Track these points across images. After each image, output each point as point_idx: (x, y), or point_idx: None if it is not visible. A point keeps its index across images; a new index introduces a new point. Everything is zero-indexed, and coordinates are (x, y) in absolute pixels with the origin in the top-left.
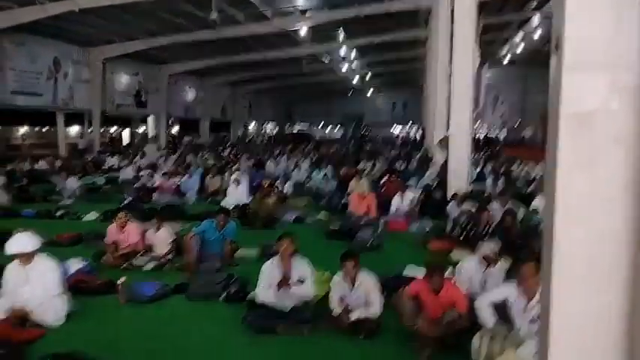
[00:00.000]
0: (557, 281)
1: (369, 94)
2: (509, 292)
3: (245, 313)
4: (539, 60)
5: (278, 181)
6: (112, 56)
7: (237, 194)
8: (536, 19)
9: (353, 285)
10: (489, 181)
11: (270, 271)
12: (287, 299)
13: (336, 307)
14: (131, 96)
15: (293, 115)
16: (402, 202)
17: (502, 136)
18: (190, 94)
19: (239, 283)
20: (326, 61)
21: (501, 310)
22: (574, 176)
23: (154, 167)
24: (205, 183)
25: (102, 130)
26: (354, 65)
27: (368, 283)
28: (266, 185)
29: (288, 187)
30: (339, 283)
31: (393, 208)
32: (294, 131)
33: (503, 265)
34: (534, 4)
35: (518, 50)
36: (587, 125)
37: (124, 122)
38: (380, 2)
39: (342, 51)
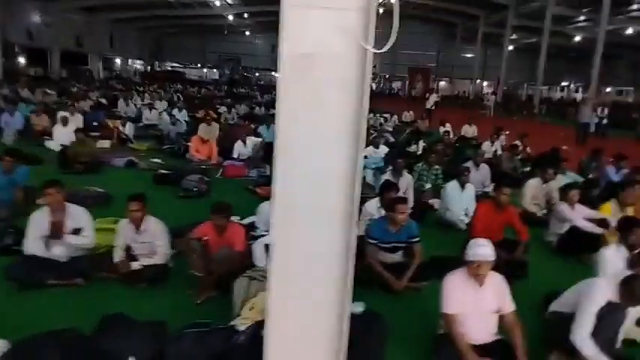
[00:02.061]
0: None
1: (247, 34)
2: None
3: (8, 267)
4: (410, 12)
5: (119, 122)
6: None
7: (63, 135)
8: None
9: (138, 230)
10: None
11: (38, 220)
12: (61, 249)
13: (118, 254)
14: None
15: (163, 52)
16: (245, 147)
17: (374, 86)
18: (34, 17)
19: (14, 235)
20: None
21: None
22: (299, 116)
23: None
24: (31, 122)
25: None
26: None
27: (154, 229)
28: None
29: (129, 129)
30: (123, 228)
31: (235, 153)
32: (167, 69)
33: None
34: None
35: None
36: (311, 66)
37: None
38: None
39: None
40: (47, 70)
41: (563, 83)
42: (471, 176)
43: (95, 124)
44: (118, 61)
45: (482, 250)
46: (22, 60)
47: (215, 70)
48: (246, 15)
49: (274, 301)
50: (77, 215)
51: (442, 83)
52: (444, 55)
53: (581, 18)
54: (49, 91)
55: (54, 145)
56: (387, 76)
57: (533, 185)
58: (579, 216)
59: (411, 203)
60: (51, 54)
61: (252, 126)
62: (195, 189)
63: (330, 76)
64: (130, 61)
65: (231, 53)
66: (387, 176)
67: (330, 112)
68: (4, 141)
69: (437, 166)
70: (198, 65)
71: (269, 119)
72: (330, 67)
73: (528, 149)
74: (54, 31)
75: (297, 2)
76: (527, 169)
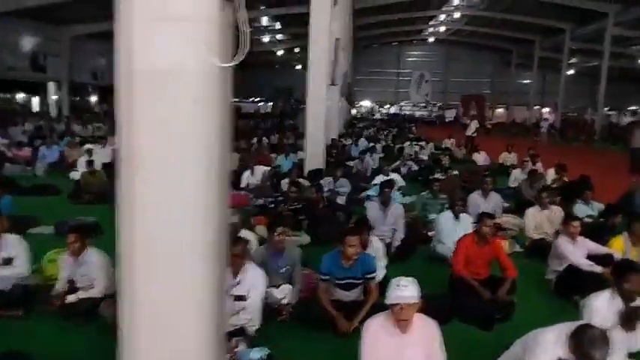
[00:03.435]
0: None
1: (297, 68)
2: None
3: None
4: (460, 40)
5: None
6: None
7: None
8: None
9: (77, 261)
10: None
11: None
12: None
13: (60, 286)
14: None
15: None
16: (253, 176)
17: (425, 114)
18: (98, 58)
19: None
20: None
21: None
22: (151, 135)
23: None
24: (65, 154)
25: None
26: (278, 37)
27: (95, 261)
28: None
29: None
30: (64, 260)
31: (243, 182)
32: None
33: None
34: None
35: (442, 29)
36: (164, 84)
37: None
38: None
39: (264, 20)
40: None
41: (631, 107)
42: (479, 206)
43: None
44: None
45: (403, 290)
46: (93, 98)
47: (269, 102)
48: (296, 50)
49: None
50: (10, 244)
51: (499, 110)
52: (499, 81)
53: None
54: (101, 125)
55: (77, 175)
56: (440, 104)
57: (531, 213)
58: (580, 251)
59: (400, 235)
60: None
61: (273, 155)
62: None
63: (185, 93)
64: None
65: (284, 86)
66: (374, 206)
67: (186, 132)
68: (36, 172)
69: (443, 196)
70: (254, 99)
71: (289, 149)
72: (184, 84)
73: (565, 178)
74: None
75: (146, 16)
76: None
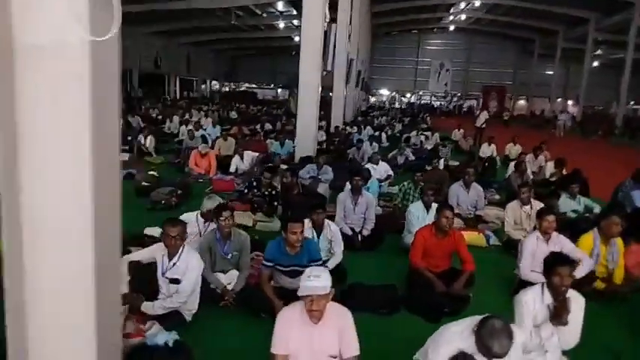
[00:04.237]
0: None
1: None
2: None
3: None
4: (482, 29)
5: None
6: None
7: None
8: None
9: None
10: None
11: None
12: None
13: None
14: None
15: (238, 73)
16: (242, 162)
17: (444, 104)
18: None
19: None
20: (264, 15)
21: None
22: (37, 113)
23: None
24: None
25: None
26: (295, 22)
27: None
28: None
29: (150, 142)
30: None
31: (232, 167)
32: (240, 90)
33: None
34: None
35: (462, 17)
36: (44, 60)
37: None
38: None
39: (280, 5)
40: (127, 91)
41: None
42: (459, 198)
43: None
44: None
45: (313, 281)
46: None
47: (285, 89)
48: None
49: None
50: None
51: (521, 102)
52: (521, 72)
53: None
54: None
55: None
56: (460, 94)
57: (511, 208)
58: (549, 250)
59: (370, 225)
60: (130, 75)
61: (270, 142)
62: (163, 202)
63: (66, 69)
64: (208, 82)
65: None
66: (345, 195)
67: (68, 111)
68: None
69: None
70: (271, 85)
71: (286, 136)
72: (65, 60)
73: (564, 171)
74: (133, 53)
75: None
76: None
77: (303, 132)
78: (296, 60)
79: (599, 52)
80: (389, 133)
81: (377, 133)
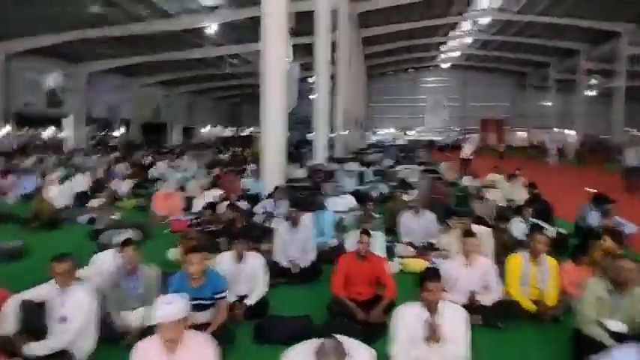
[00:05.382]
0: None
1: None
2: None
3: None
4: (476, 65)
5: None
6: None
7: (56, 195)
8: (466, 24)
9: None
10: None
11: None
12: None
13: None
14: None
15: (240, 118)
16: (204, 201)
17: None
18: (114, 93)
19: None
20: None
21: None
22: None
23: None
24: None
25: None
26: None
27: None
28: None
29: (123, 187)
30: None
31: (195, 207)
32: (242, 135)
33: None
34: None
35: (455, 54)
36: None
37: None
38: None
39: None
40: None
41: None
42: (409, 227)
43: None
44: (206, 129)
45: (164, 309)
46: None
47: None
48: (310, 80)
49: None
50: None
51: (520, 134)
52: (518, 104)
53: None
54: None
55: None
56: (459, 129)
57: (456, 236)
58: (470, 277)
59: (311, 257)
60: (131, 125)
61: (245, 180)
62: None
63: None
64: (210, 127)
65: (301, 116)
66: (283, 227)
67: None
68: (8, 200)
69: (377, 215)
70: None
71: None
72: None
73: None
74: (133, 104)
75: None
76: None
77: (270, 173)
78: (302, 103)
79: (593, 81)
80: (377, 167)
81: (363, 169)
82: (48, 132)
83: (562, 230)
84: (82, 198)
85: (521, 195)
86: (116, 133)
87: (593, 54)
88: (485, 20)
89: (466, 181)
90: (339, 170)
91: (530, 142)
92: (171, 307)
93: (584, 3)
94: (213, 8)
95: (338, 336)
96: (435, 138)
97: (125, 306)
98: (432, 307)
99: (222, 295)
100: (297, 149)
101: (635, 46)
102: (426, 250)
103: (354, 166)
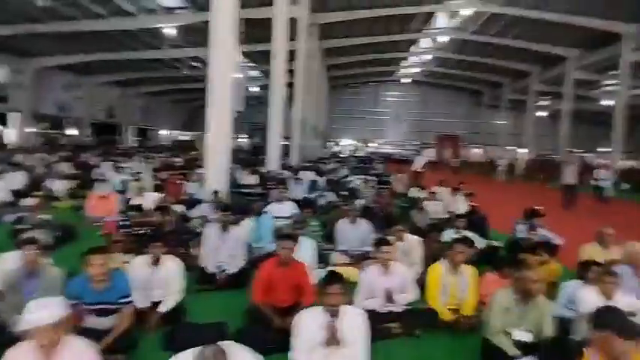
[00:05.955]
0: None
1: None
2: None
3: None
4: (434, 82)
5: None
6: None
7: None
8: (425, 42)
9: None
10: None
11: None
12: None
13: None
14: None
15: (197, 122)
16: (144, 203)
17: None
18: (66, 91)
19: None
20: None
21: None
22: None
23: None
24: None
25: None
26: (252, 73)
27: None
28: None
29: (58, 186)
30: None
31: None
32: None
33: None
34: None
35: (413, 70)
36: None
37: None
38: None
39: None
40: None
41: (601, 149)
42: (345, 234)
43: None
44: (163, 132)
45: (33, 313)
46: (70, 131)
47: (249, 137)
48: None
49: None
50: None
51: (477, 150)
52: (473, 122)
53: (607, 82)
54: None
55: None
56: (418, 142)
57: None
58: (389, 281)
59: (238, 262)
60: (82, 124)
61: (188, 183)
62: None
63: None
64: (167, 131)
65: (260, 122)
66: (213, 230)
67: None
68: None
69: (315, 222)
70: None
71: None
72: None
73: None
74: (85, 103)
75: None
76: None
77: (214, 173)
78: (257, 109)
79: (542, 102)
80: (332, 178)
81: (317, 178)
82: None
83: (495, 242)
84: (17, 196)
85: (461, 207)
86: (69, 132)
87: (544, 76)
88: (443, 38)
89: (413, 192)
90: (290, 178)
91: (483, 158)
92: (41, 311)
93: (535, 27)
94: (172, 9)
95: (226, 342)
96: (393, 150)
97: (23, 309)
98: (333, 311)
99: (128, 299)
100: (254, 155)
101: (581, 71)
102: (359, 258)
103: (309, 175)
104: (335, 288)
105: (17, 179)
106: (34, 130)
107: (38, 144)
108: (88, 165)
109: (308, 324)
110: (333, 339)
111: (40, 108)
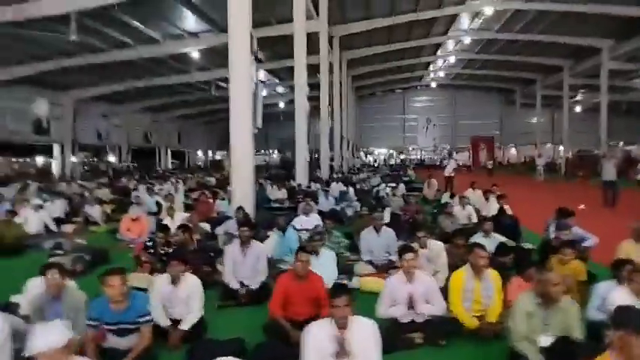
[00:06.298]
0: None
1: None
2: None
3: None
4: (463, 84)
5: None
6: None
7: (30, 221)
8: (449, 44)
9: None
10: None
11: None
12: None
13: None
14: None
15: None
16: (173, 222)
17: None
18: (104, 120)
19: None
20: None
21: None
22: None
23: None
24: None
25: None
26: (279, 89)
27: None
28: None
29: (95, 212)
30: None
31: None
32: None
33: None
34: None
35: (442, 74)
36: None
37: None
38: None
39: (262, 74)
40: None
41: None
42: (370, 244)
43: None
44: (199, 153)
45: (39, 339)
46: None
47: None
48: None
49: None
50: None
51: (514, 150)
52: (507, 121)
53: None
54: (84, 183)
55: None
56: (449, 147)
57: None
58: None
59: (260, 277)
60: (121, 150)
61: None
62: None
63: None
64: (201, 152)
65: (288, 137)
66: (233, 246)
67: None
68: None
69: (338, 234)
70: (262, 151)
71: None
72: None
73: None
74: (123, 130)
75: None
76: None
77: (240, 189)
78: (285, 124)
79: (579, 97)
80: (363, 187)
81: (345, 188)
82: (39, 160)
83: (528, 245)
84: (58, 223)
85: (493, 210)
86: (109, 159)
87: (576, 70)
88: (467, 40)
89: (445, 198)
90: (319, 190)
91: (520, 158)
92: (46, 335)
93: (563, 20)
94: (196, 33)
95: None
96: (425, 156)
97: None
98: (341, 323)
99: (147, 318)
100: (284, 170)
101: (616, 61)
102: (385, 267)
103: (338, 187)
104: (342, 300)
105: (58, 207)
106: (76, 159)
107: (81, 172)
108: (127, 189)
109: (317, 336)
110: (342, 351)
111: (80, 138)
